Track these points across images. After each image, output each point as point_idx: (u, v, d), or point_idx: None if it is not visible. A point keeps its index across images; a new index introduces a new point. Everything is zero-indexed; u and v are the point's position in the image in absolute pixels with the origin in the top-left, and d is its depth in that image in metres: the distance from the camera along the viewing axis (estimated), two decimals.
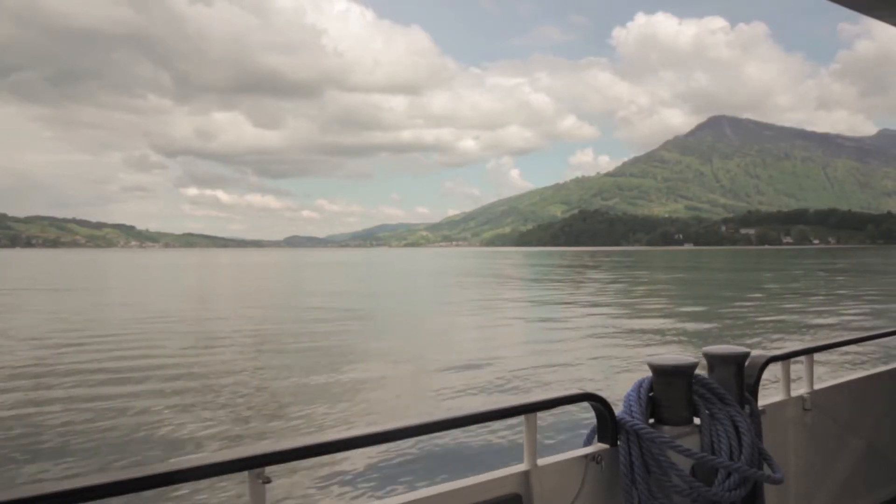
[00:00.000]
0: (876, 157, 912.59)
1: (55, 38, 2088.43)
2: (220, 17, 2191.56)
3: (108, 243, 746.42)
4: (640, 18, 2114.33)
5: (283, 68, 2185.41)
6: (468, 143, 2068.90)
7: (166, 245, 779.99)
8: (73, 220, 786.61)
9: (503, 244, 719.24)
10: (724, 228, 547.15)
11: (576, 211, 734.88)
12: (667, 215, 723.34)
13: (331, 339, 20.29)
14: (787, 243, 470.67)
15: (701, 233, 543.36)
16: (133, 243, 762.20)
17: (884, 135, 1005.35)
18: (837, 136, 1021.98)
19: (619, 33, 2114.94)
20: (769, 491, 2.81)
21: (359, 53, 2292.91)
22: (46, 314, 29.72)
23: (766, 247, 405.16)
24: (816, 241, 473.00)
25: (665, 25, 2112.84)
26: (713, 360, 2.85)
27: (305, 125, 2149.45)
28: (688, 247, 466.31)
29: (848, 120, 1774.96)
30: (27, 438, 9.45)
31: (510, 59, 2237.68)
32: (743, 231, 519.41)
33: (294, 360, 16.58)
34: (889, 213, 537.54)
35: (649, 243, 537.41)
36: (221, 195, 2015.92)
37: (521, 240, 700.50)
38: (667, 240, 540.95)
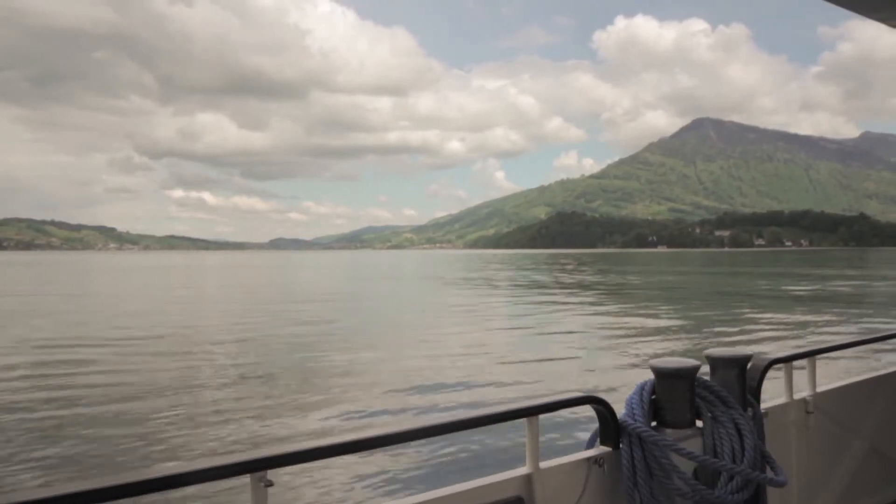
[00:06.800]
0: (858, 160, 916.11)
1: (36, 38, 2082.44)
2: (202, 17, 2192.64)
3: (86, 245, 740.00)
4: (620, 22, 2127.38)
5: (266, 69, 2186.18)
6: (454, 145, 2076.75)
7: (146, 247, 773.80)
8: (52, 222, 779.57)
9: (486, 246, 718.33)
10: (698, 230, 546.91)
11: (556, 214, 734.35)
12: (650, 217, 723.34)
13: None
14: (759, 245, 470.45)
15: (675, 235, 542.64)
16: (111, 245, 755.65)
17: (866, 137, 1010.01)
18: (820, 139, 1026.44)
19: (599, 36, 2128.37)
20: (772, 493, 2.81)
21: (343, 54, 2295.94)
22: None
23: (737, 249, 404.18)
24: (789, 244, 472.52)
25: (645, 28, 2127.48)
26: (715, 363, 2.86)
27: (290, 126, 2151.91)
28: (661, 249, 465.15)
29: (831, 122, 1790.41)
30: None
31: (495, 61, 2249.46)
32: (717, 233, 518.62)
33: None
34: (862, 214, 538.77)
35: (624, 245, 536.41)
36: (207, 197, 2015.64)
37: (501, 242, 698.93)
38: (641, 242, 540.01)
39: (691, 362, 2.65)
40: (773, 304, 31.42)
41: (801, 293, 38.08)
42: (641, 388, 2.66)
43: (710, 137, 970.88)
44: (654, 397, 2.65)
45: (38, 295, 44.51)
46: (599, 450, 2.57)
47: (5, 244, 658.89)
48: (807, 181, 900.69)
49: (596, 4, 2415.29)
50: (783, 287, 43.89)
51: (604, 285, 48.13)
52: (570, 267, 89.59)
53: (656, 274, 66.47)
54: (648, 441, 2.48)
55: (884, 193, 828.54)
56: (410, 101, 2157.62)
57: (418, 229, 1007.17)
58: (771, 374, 3.08)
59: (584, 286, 46.76)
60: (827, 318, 24.31)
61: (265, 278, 70.26)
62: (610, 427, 2.57)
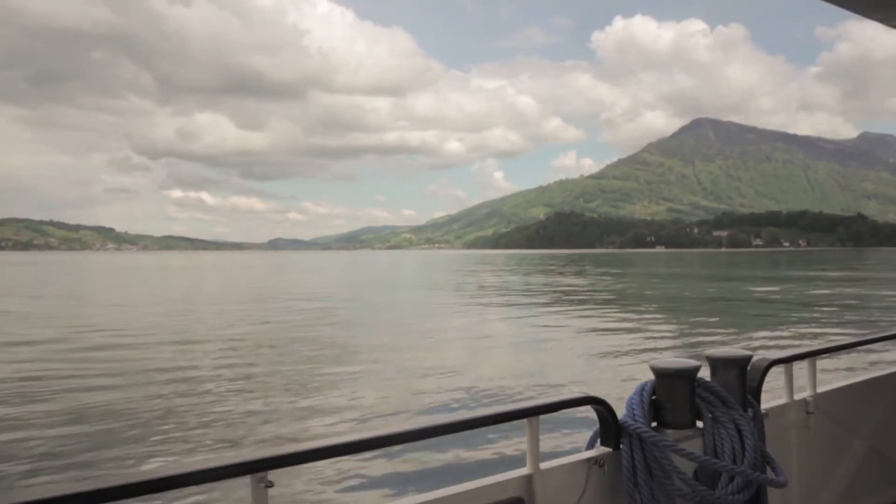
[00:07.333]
0: (856, 160, 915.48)
1: (34, 38, 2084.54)
2: (200, 17, 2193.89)
3: (84, 246, 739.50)
4: (619, 22, 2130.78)
5: (265, 69, 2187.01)
6: (453, 145, 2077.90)
7: (144, 248, 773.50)
8: (50, 223, 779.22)
9: (484, 246, 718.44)
10: (696, 231, 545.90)
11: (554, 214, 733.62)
12: (649, 217, 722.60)
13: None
14: (757, 245, 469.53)
15: (673, 235, 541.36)
16: (110, 246, 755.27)
17: (864, 138, 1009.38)
18: (818, 139, 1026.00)
19: (598, 37, 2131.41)
20: (772, 494, 2.81)
21: (342, 55, 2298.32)
22: None
23: (735, 249, 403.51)
24: (787, 244, 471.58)
25: (644, 29, 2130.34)
26: (716, 364, 2.87)
27: (289, 127, 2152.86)
28: (659, 249, 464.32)
29: (829, 122, 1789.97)
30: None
31: (494, 61, 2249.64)
32: (715, 233, 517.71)
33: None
34: (859, 214, 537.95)
35: (622, 245, 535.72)
36: (206, 197, 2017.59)
37: (499, 242, 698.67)
38: (639, 242, 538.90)
39: (692, 363, 2.65)
40: (726, 308, 30.61)
41: (764, 296, 37.23)
42: (642, 388, 2.65)
43: (709, 138, 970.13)
44: (654, 398, 2.65)
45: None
46: (600, 450, 2.57)
47: (3, 244, 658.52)
48: (805, 181, 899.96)
49: (594, 5, 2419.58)
50: (749, 288, 43.10)
51: (569, 287, 47.22)
52: (552, 268, 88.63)
53: (635, 277, 65.47)
54: (649, 441, 2.47)
55: (882, 194, 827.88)
56: (409, 102, 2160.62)
57: (417, 229, 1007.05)
58: (771, 374, 3.08)
59: (550, 289, 45.92)
60: (772, 323, 23.45)
61: (257, 279, 69.43)
62: (610, 428, 2.56)
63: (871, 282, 49.86)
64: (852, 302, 31.89)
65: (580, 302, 33.59)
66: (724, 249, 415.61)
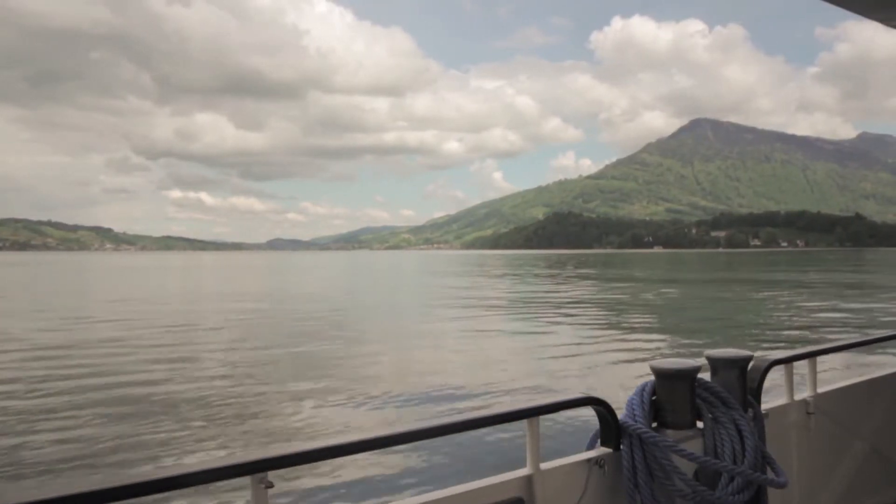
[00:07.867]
0: (855, 160, 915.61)
1: (33, 38, 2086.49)
2: (199, 18, 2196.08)
3: (82, 246, 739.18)
4: (617, 23, 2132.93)
5: (264, 69, 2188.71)
6: (452, 146, 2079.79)
7: (143, 248, 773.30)
8: (48, 223, 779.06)
9: (483, 246, 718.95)
10: (694, 231, 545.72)
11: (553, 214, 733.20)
12: (647, 218, 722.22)
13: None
14: (755, 246, 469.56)
15: (671, 235, 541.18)
16: (108, 246, 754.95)
17: (863, 138, 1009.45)
18: (817, 139, 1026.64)
19: (597, 37, 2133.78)
20: (773, 495, 2.80)
21: (341, 55, 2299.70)
22: None
23: (733, 250, 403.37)
24: (785, 244, 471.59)
25: (642, 29, 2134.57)
26: (716, 364, 2.87)
27: (288, 127, 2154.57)
28: (657, 249, 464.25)
29: (828, 122, 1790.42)
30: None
31: (493, 62, 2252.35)
32: (713, 234, 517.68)
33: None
34: (858, 214, 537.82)
35: (620, 246, 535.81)
36: (205, 197, 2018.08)
37: (498, 242, 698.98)
38: (637, 242, 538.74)
39: (692, 363, 2.66)
40: (670, 313, 30.47)
41: (722, 300, 37.05)
42: (642, 388, 2.65)
43: (708, 138, 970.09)
44: (654, 398, 2.65)
45: None
46: (600, 451, 2.57)
47: (1, 245, 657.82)
48: (804, 182, 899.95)
49: (593, 5, 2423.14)
50: (708, 292, 42.95)
51: (525, 291, 46.97)
52: (523, 268, 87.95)
53: (608, 280, 64.84)
54: (649, 442, 2.48)
55: (881, 194, 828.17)
56: (408, 102, 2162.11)
57: (416, 230, 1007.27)
58: (772, 374, 3.07)
59: (505, 292, 45.82)
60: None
61: (238, 280, 69.28)
62: (610, 428, 2.56)
63: (848, 284, 49.52)
64: (815, 304, 31.56)
65: (524, 307, 33.05)
66: (721, 250, 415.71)
